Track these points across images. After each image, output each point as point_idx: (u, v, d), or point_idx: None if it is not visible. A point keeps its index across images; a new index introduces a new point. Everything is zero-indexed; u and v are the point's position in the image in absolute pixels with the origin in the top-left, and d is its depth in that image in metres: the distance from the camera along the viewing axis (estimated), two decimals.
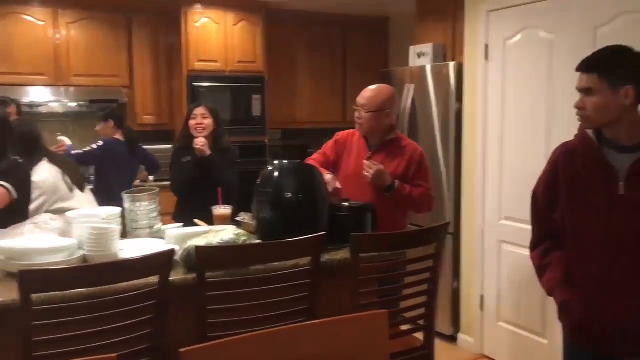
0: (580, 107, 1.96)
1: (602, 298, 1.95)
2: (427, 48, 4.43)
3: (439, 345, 4.06)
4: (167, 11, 5.27)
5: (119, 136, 4.48)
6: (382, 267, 2.42)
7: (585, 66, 1.94)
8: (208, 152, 3.48)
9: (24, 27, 4.88)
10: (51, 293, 1.86)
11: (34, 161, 3.12)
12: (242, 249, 2.24)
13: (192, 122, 3.54)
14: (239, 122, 5.38)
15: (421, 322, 2.51)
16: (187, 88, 5.18)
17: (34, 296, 1.78)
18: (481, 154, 3.85)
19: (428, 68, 4.30)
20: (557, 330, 3.36)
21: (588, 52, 3.10)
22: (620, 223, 1.90)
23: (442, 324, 4.16)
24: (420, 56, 4.51)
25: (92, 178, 4.46)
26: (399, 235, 2.46)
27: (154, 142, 5.19)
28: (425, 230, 2.56)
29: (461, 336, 4.08)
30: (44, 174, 3.17)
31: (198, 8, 5.17)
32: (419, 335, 2.53)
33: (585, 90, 1.94)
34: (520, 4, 3.52)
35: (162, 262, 1.96)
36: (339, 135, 3.32)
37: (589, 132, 2.00)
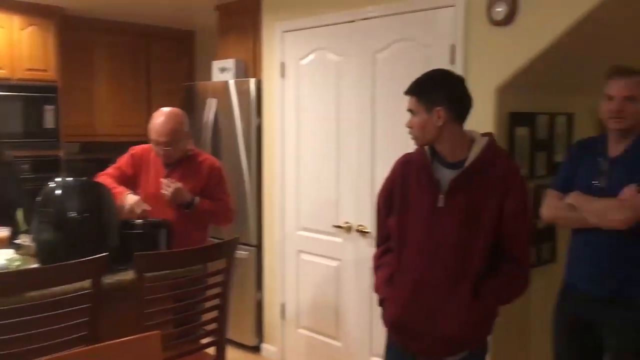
0: (409, 127, 2.12)
1: (414, 301, 2.09)
2: (229, 63, 4.50)
3: (243, 356, 4.13)
4: None
5: None
6: (170, 285, 2.39)
7: (409, 90, 2.11)
8: None
9: None
10: None
11: None
12: (13, 275, 2.07)
13: None
14: (30, 135, 4.96)
15: (212, 338, 2.53)
16: None
17: None
18: (280, 167, 4.00)
19: (231, 83, 4.36)
20: (350, 332, 3.61)
21: (370, 74, 3.41)
22: (438, 233, 2.05)
23: (247, 335, 4.23)
24: (223, 71, 4.56)
25: None
26: (185, 252, 2.45)
27: None
28: (214, 245, 2.60)
29: (264, 346, 4.18)
30: None
31: None
32: (211, 351, 2.54)
33: (410, 111, 2.11)
34: (311, 26, 3.73)
35: None
36: (135, 149, 3.27)
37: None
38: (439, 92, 2.06)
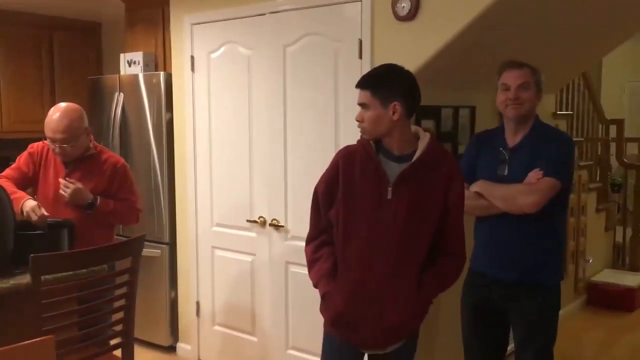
0: (359, 120, 2.11)
1: (358, 293, 2.09)
2: (138, 56, 4.36)
3: (157, 357, 4.04)
4: None
5: None
6: (71, 287, 2.29)
7: (361, 84, 2.11)
8: None
9: None
10: None
11: None
12: None
13: None
14: None
15: (119, 339, 2.45)
16: None
17: None
18: (191, 163, 3.92)
19: (140, 77, 4.23)
20: (266, 327, 3.60)
21: (280, 68, 3.41)
22: (384, 225, 2.06)
23: (161, 335, 4.13)
24: (131, 64, 4.41)
25: None
26: (86, 252, 2.35)
27: None
28: (118, 244, 2.52)
29: (180, 345, 4.10)
30: None
31: None
32: (118, 353, 2.47)
33: (362, 105, 2.09)
34: (221, 19, 3.68)
35: None
36: (33, 147, 3.13)
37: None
38: (393, 86, 2.07)
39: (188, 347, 4.04)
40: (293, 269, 3.40)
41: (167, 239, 4.09)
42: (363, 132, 2.15)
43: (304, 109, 3.29)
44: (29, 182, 3.03)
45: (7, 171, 3.06)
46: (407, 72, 2.15)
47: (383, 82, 2.09)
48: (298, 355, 3.44)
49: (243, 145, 3.62)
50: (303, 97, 3.28)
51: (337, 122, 3.16)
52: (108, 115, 4.39)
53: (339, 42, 3.15)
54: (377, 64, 2.95)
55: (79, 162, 2.98)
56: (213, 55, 3.77)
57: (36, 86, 5.52)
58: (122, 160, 3.10)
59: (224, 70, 3.71)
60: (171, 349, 4.12)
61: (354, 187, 2.13)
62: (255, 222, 3.57)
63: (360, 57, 3.04)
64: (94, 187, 2.94)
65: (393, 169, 2.10)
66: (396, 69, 2.14)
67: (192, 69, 3.87)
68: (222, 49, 3.72)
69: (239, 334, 3.76)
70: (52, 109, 2.98)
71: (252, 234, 3.62)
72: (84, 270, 2.40)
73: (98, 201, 2.91)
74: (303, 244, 2.31)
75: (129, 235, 3.72)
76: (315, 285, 2.21)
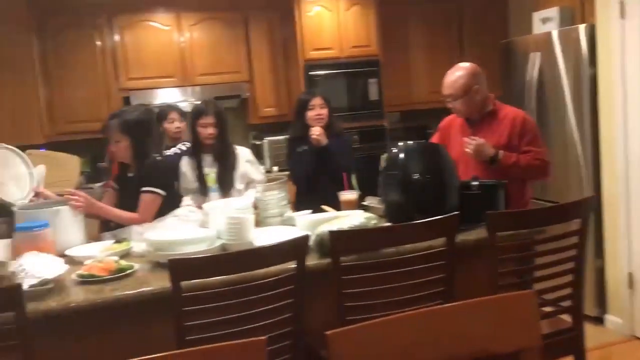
0: None
1: None
2: (553, 12, 4.16)
3: (585, 327, 3.83)
4: (280, 4, 5.36)
5: None
6: (521, 245, 2.30)
7: None
8: (325, 140, 3.49)
9: (151, 33, 5.18)
10: (197, 280, 1.96)
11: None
12: (375, 232, 2.24)
13: (311, 113, 3.55)
14: (356, 108, 5.38)
15: (567, 302, 2.36)
16: (304, 77, 5.25)
17: (183, 283, 1.87)
18: (622, 123, 3.55)
19: (554, 34, 4.03)
20: None
21: None
22: None
23: (586, 305, 3.89)
24: (545, 22, 4.24)
25: None
26: (538, 211, 2.34)
27: (276, 133, 5.33)
28: (567, 204, 2.41)
29: (608, 317, 3.81)
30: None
31: None
32: (566, 317, 2.39)
33: None
34: None
35: (298, 247, 2.00)
36: (441, 123, 3.32)
37: None
38: None
39: (619, 320, 3.72)
40: None
41: None
42: None
43: None
44: None
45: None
46: None
47: None
48: None
49: None
50: None
51: None
52: (521, 78, 4.32)
53: None
54: None
55: (480, 121, 3.04)
56: None
57: (446, 57, 5.81)
58: (522, 114, 3.03)
59: None
60: (597, 320, 3.86)
61: None
62: None
63: None
64: (496, 142, 2.95)
65: None
66: None
67: (622, 16, 3.47)
68: None
69: None
70: (452, 68, 3.12)
71: None
72: (525, 231, 2.39)
73: (500, 154, 2.89)
74: None
75: (549, 199, 3.58)
76: None
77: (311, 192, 3.51)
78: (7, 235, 2.71)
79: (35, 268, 2.02)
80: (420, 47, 5.75)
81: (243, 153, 3.44)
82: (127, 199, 2.88)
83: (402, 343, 1.36)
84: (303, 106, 3.61)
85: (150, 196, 2.83)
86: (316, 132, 3.48)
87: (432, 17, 5.74)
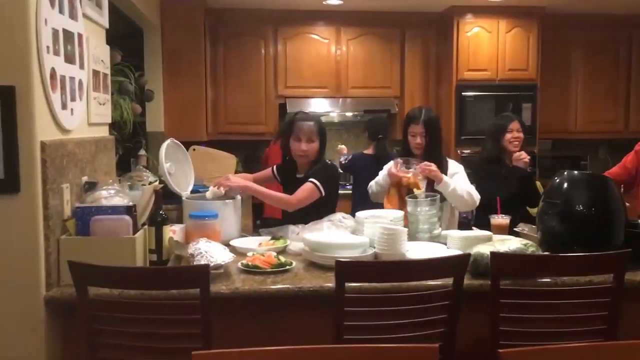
0: None
1: None
2: None
3: None
4: (438, 22, 5.39)
5: (368, 150, 4.61)
6: None
7: None
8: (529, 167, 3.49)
9: (311, 45, 5.43)
10: (359, 284, 2.04)
11: None
12: (539, 259, 2.19)
13: (508, 136, 3.56)
14: None
15: None
16: (455, 97, 5.23)
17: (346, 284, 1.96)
18: None
19: None
20: None
21: None
22: None
23: None
24: None
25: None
26: None
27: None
28: None
29: None
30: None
31: (470, 18, 5.19)
32: None
33: None
34: None
35: (458, 264, 2.01)
36: (637, 145, 3.12)
37: None
38: None
39: None
40: None
41: None
42: None
43: None
44: (631, 180, 3.04)
45: (613, 169, 3.15)
46: None
47: None
48: None
49: None
50: None
51: None
52: None
53: None
54: None
55: None
56: None
57: (609, 86, 5.53)
58: None
59: None
60: None
61: None
62: None
63: None
64: None
65: None
66: None
67: None
68: None
69: None
70: None
71: None
72: None
73: None
74: None
75: None
76: None
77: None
78: (178, 220, 2.99)
79: (209, 253, 2.21)
80: (581, 74, 5.51)
81: (452, 165, 3.33)
82: None
83: None
84: (499, 129, 3.60)
85: (311, 186, 2.91)
86: (526, 157, 3.53)
87: (597, 44, 5.49)
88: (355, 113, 5.50)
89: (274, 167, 3.27)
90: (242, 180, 2.94)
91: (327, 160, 3.09)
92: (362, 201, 3.81)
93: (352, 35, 5.43)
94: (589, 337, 2.03)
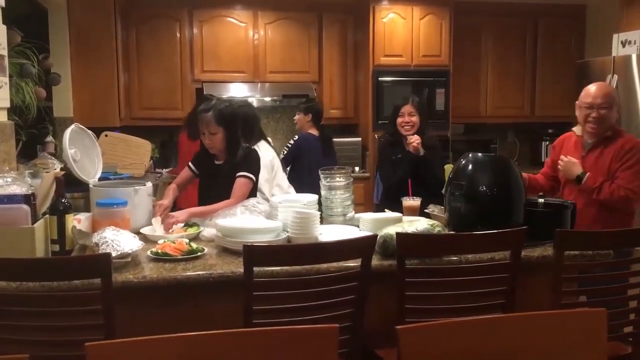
0: None
1: None
2: (635, 36, 4.08)
3: None
4: (355, 8, 5.44)
5: (313, 132, 4.70)
6: (587, 266, 2.28)
7: None
8: (422, 151, 3.50)
9: (228, 29, 5.35)
10: (266, 268, 2.04)
11: (254, 141, 3.38)
12: (442, 238, 2.26)
13: (399, 120, 3.57)
14: None
15: (629, 329, 2.33)
16: (372, 82, 5.31)
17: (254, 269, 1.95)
18: None
19: (633, 57, 3.95)
20: None
21: None
22: None
23: None
24: (625, 45, 4.16)
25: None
26: (609, 233, 2.30)
27: (339, 135, 5.41)
28: (638, 229, 2.37)
29: None
30: (269, 153, 3.56)
31: (385, 4, 5.26)
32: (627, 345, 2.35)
33: None
34: None
35: (366, 246, 2.05)
36: (555, 142, 3.32)
37: None
38: None
39: None
40: None
41: None
42: None
43: None
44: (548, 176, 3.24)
45: (543, 169, 3.32)
46: None
47: None
48: None
49: None
50: None
51: None
52: None
53: None
54: None
55: (597, 143, 3.00)
56: None
57: (517, 73, 5.78)
58: (635, 142, 2.96)
59: None
60: None
61: None
62: None
63: None
64: (606, 167, 2.94)
65: None
66: None
67: None
68: None
69: None
70: (592, 83, 3.10)
71: None
72: (590, 252, 2.37)
73: (585, 176, 2.87)
74: None
75: None
76: None
77: (393, 197, 3.48)
78: (85, 209, 2.88)
79: (115, 241, 2.15)
80: (491, 60, 5.72)
81: None
82: (219, 185, 2.99)
83: (466, 345, 1.40)
84: (394, 112, 3.63)
85: (245, 181, 2.94)
86: (414, 140, 3.47)
87: (506, 31, 5.71)
88: (275, 98, 5.47)
89: (190, 163, 3.21)
90: (184, 212, 2.83)
91: (244, 145, 3.05)
92: (301, 183, 3.86)
93: (270, 19, 5.39)
94: (489, 311, 2.13)
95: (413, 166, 3.48)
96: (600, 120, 2.95)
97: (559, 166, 3.02)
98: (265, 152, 3.57)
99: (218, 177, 3.03)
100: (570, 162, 2.96)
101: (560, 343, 1.44)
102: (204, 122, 2.95)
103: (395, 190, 3.45)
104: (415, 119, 3.53)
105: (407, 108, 3.55)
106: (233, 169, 2.96)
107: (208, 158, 3.09)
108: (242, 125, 3.04)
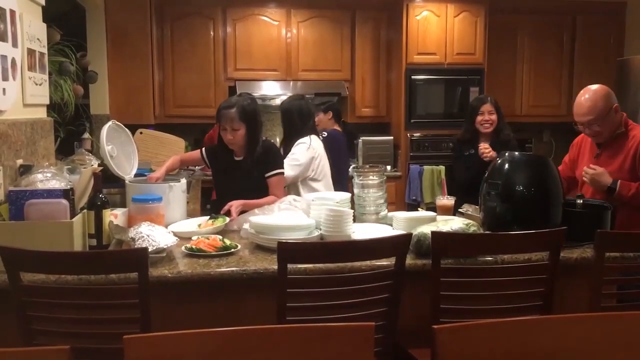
0: None
1: None
2: None
3: None
4: (388, 6, 5.41)
5: (337, 128, 4.70)
6: (630, 268, 2.22)
7: None
8: (494, 155, 3.53)
9: (261, 27, 5.36)
10: (300, 265, 2.04)
11: (306, 134, 3.52)
12: (478, 237, 2.23)
13: (479, 118, 3.66)
14: (453, 115, 5.32)
15: None
16: (405, 81, 5.26)
17: (289, 266, 1.95)
18: None
19: None
20: None
21: None
22: None
23: None
24: None
25: None
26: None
27: (371, 133, 5.38)
28: None
29: None
30: (321, 149, 3.62)
31: (419, 2, 5.22)
32: None
33: None
34: None
35: (400, 244, 2.03)
36: (574, 141, 3.22)
37: None
38: None
39: None
40: None
41: None
42: None
43: None
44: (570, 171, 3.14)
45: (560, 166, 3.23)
46: None
47: None
48: None
49: None
50: None
51: None
52: (635, 97, 4.14)
53: None
54: None
55: (610, 142, 2.90)
56: None
57: (553, 72, 5.67)
58: None
59: None
60: None
61: None
62: None
63: None
64: (619, 166, 2.81)
65: None
66: None
67: None
68: None
69: None
70: (581, 91, 2.93)
71: None
72: (631, 255, 2.31)
73: (617, 186, 2.75)
74: None
75: None
76: None
77: (471, 195, 3.47)
78: (121, 205, 2.92)
79: (151, 237, 2.17)
80: (527, 59, 5.63)
81: None
82: (237, 180, 3.02)
83: (504, 347, 1.37)
84: (473, 110, 3.76)
85: (280, 177, 3.08)
86: (486, 150, 3.56)
87: (542, 29, 5.60)
88: (307, 96, 5.46)
89: (203, 149, 3.24)
90: (238, 202, 2.87)
91: (263, 138, 3.09)
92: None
93: (303, 17, 5.39)
94: (526, 313, 2.09)
95: (484, 165, 3.49)
96: (597, 134, 2.86)
97: (584, 178, 2.83)
98: (318, 146, 3.62)
99: (238, 172, 3.07)
100: (597, 174, 2.77)
101: (599, 347, 1.40)
102: (227, 118, 2.97)
103: (466, 188, 3.44)
104: (494, 117, 3.71)
105: (486, 107, 3.71)
106: (255, 165, 3.01)
107: (227, 154, 3.11)
108: (297, 117, 3.12)
